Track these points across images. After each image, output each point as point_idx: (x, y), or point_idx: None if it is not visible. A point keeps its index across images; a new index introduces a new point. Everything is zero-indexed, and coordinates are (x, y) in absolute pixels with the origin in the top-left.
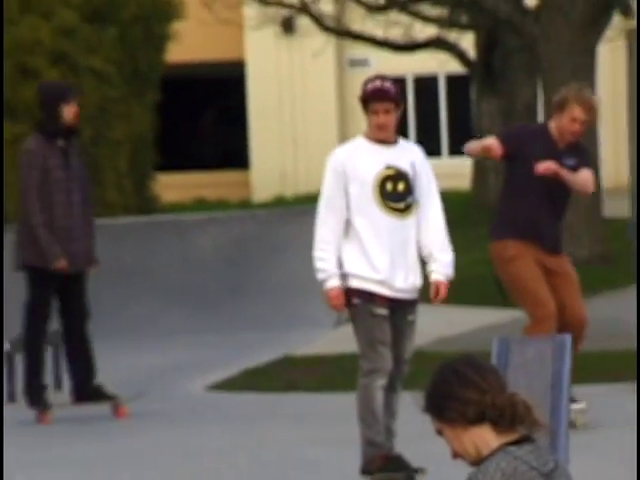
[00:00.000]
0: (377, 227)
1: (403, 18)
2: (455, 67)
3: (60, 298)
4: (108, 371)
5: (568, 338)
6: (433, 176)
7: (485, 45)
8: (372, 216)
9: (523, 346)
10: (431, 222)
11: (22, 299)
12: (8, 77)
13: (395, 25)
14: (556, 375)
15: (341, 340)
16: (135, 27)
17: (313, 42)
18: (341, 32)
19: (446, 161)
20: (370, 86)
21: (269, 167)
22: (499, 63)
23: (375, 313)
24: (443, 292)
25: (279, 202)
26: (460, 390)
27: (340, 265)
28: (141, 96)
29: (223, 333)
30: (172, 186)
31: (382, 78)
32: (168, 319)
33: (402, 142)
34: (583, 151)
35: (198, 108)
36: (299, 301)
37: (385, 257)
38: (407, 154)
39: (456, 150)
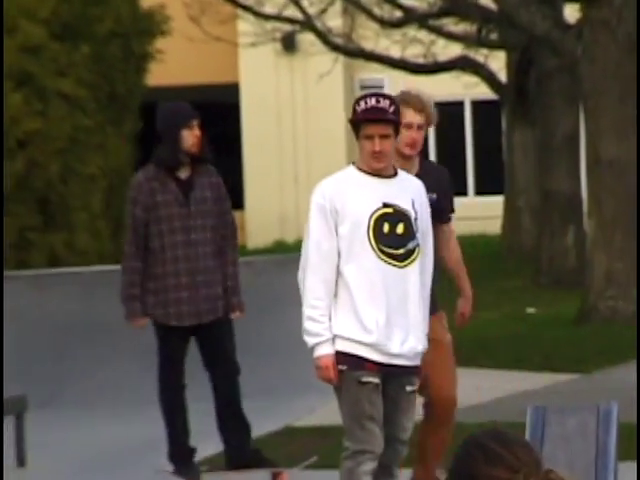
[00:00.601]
0: (371, 277)
1: (423, 35)
2: (483, 91)
3: (201, 353)
4: (81, 443)
5: (614, 407)
6: (430, 221)
7: (518, 66)
8: (365, 264)
9: (562, 416)
10: (424, 268)
11: (20, 349)
12: None
13: (414, 43)
14: (601, 449)
15: None
16: (111, 45)
17: (318, 62)
18: (351, 51)
19: (473, 201)
20: (363, 104)
21: (267, 208)
22: (534, 87)
23: (364, 381)
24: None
25: (278, 248)
26: (487, 468)
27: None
28: (118, 124)
29: (203, 400)
30: None
31: (378, 94)
32: (150, 383)
33: (402, 175)
34: (439, 173)
35: None
36: (302, 363)
37: (379, 315)
38: (408, 189)
39: (484, 188)
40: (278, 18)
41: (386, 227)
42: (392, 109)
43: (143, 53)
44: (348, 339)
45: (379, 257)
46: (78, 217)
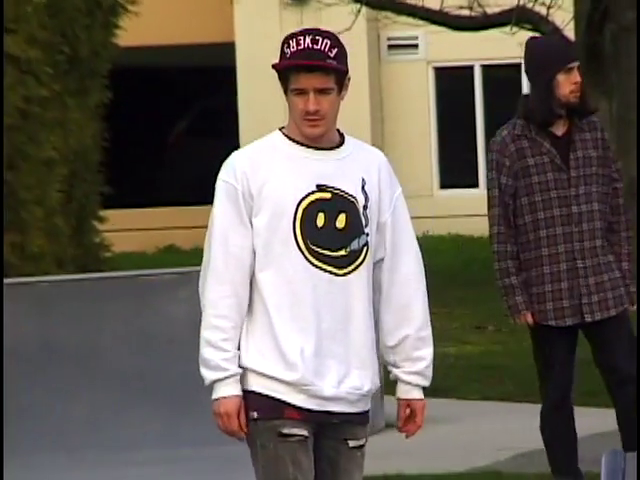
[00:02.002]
0: (295, 289)
1: None
2: None
3: (592, 353)
4: None
5: None
6: (404, 206)
7: (589, 19)
8: (287, 270)
9: None
10: (400, 286)
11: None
12: None
13: None
14: None
15: (378, 455)
16: None
17: (335, 16)
18: (377, 1)
19: None
20: (293, 45)
21: None
22: (610, 46)
23: (284, 434)
24: (420, 420)
25: None
26: None
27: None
28: (82, 95)
29: (200, 443)
30: (127, 229)
31: (315, 31)
32: (119, 422)
33: (350, 144)
34: None
35: (166, 113)
36: None
37: (305, 342)
38: (357, 166)
39: None
40: None
41: (320, 219)
42: (334, 52)
43: (112, 4)
44: (262, 375)
45: (308, 260)
46: (31, 213)
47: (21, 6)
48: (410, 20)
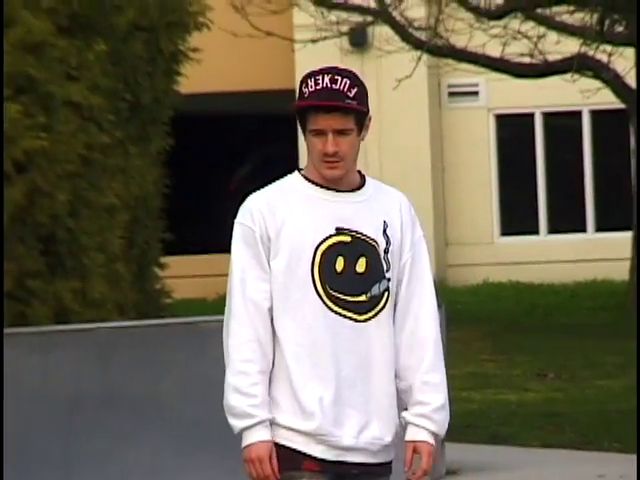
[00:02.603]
0: (313, 336)
1: (529, 28)
2: (606, 98)
3: None
4: None
5: None
6: (424, 249)
7: None
8: (305, 317)
9: None
10: (410, 330)
11: (19, 426)
12: None
13: (518, 39)
14: None
15: None
16: (134, 41)
17: (396, 63)
18: (438, 48)
19: (593, 238)
20: (312, 84)
21: None
22: None
23: None
24: (426, 463)
25: None
26: None
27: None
28: (143, 142)
29: None
30: (187, 275)
31: (335, 70)
32: (180, 469)
33: (371, 185)
34: None
35: (227, 160)
36: None
37: (324, 391)
38: (379, 209)
39: (607, 223)
40: (345, 7)
41: (340, 263)
42: (354, 91)
43: (174, 52)
44: (279, 425)
45: (327, 306)
46: (92, 259)
47: (83, 54)
48: (471, 67)
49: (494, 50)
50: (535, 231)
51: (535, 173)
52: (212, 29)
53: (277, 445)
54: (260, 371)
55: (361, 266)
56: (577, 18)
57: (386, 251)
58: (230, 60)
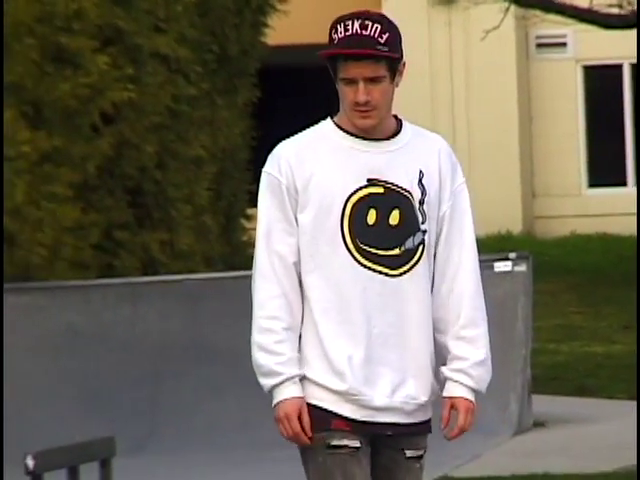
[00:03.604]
0: (343, 292)
1: None
2: None
3: None
4: None
5: None
6: (466, 198)
7: None
8: (335, 272)
9: None
10: (452, 285)
11: (108, 376)
12: (32, 66)
13: None
14: None
15: (525, 454)
16: None
17: (483, 14)
18: None
19: (633, 193)
20: (341, 30)
21: None
22: None
23: (334, 445)
24: (463, 419)
25: None
26: None
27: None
28: (230, 94)
29: None
30: None
31: (365, 15)
32: (268, 420)
33: (408, 132)
34: None
35: (314, 111)
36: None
37: (354, 349)
38: (414, 157)
39: None
40: None
41: (372, 216)
42: (385, 37)
43: (261, 3)
44: (309, 382)
45: (357, 260)
46: (179, 211)
47: (171, 6)
48: (559, 18)
49: (582, 1)
50: (623, 183)
51: (623, 125)
52: None
53: (308, 405)
54: (286, 328)
55: (394, 218)
56: None
57: (421, 202)
58: (317, 12)
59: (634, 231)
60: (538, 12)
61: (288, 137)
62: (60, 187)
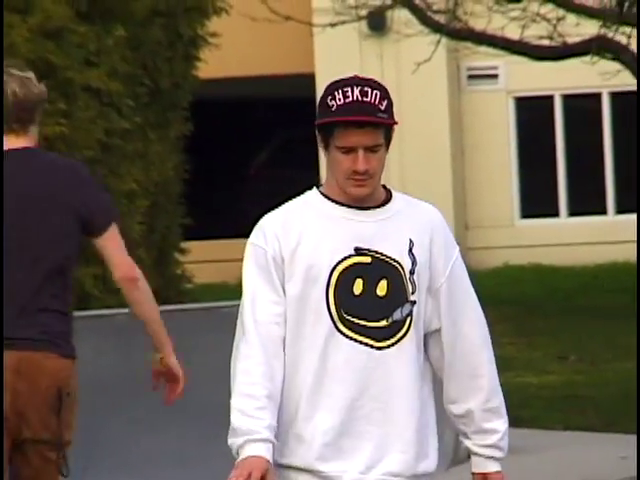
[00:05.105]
0: (325, 364)
1: (548, 10)
2: (626, 80)
3: None
4: None
5: None
6: (464, 270)
7: None
8: (317, 342)
9: None
10: (463, 358)
11: None
12: None
13: (537, 21)
14: None
15: None
16: (153, 26)
17: (415, 46)
18: (457, 31)
19: (613, 220)
20: (339, 97)
21: None
22: None
23: None
24: None
25: None
26: None
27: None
28: (163, 127)
29: None
30: (208, 260)
31: (363, 81)
32: (209, 457)
33: (398, 201)
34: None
35: (246, 144)
36: None
37: (330, 421)
38: (405, 226)
39: (628, 205)
40: None
41: (358, 286)
42: (385, 104)
43: (193, 37)
44: (279, 465)
45: (340, 331)
46: None
47: (102, 39)
48: (490, 50)
49: (513, 33)
50: (555, 213)
51: (555, 155)
52: (231, 14)
53: None
54: (268, 395)
55: (382, 289)
56: (596, 0)
57: (412, 272)
58: (249, 45)
59: (567, 261)
60: (469, 44)
61: (221, 170)
62: None
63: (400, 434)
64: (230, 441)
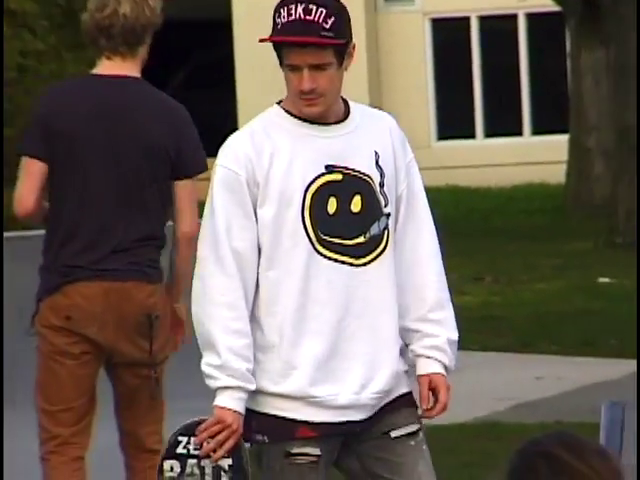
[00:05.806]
0: (307, 287)
1: None
2: (542, 1)
3: None
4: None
5: None
6: (418, 175)
7: None
8: (297, 266)
9: None
10: (418, 266)
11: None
12: None
13: None
14: None
15: None
16: None
17: None
18: None
19: (530, 142)
20: (284, 14)
21: None
22: None
23: (293, 453)
24: (444, 396)
25: None
26: None
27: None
28: (79, 48)
29: None
30: None
31: (308, 0)
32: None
33: (357, 112)
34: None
35: (162, 67)
36: None
37: (318, 345)
38: (368, 138)
39: (544, 125)
40: None
41: (332, 204)
42: (331, 22)
43: None
44: (264, 393)
45: (319, 252)
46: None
47: None
48: None
49: None
50: (472, 135)
51: (471, 77)
52: None
53: (267, 415)
54: (248, 330)
55: (356, 205)
56: None
57: (382, 184)
58: None
59: (483, 183)
60: None
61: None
62: None
63: (389, 349)
64: (214, 373)
